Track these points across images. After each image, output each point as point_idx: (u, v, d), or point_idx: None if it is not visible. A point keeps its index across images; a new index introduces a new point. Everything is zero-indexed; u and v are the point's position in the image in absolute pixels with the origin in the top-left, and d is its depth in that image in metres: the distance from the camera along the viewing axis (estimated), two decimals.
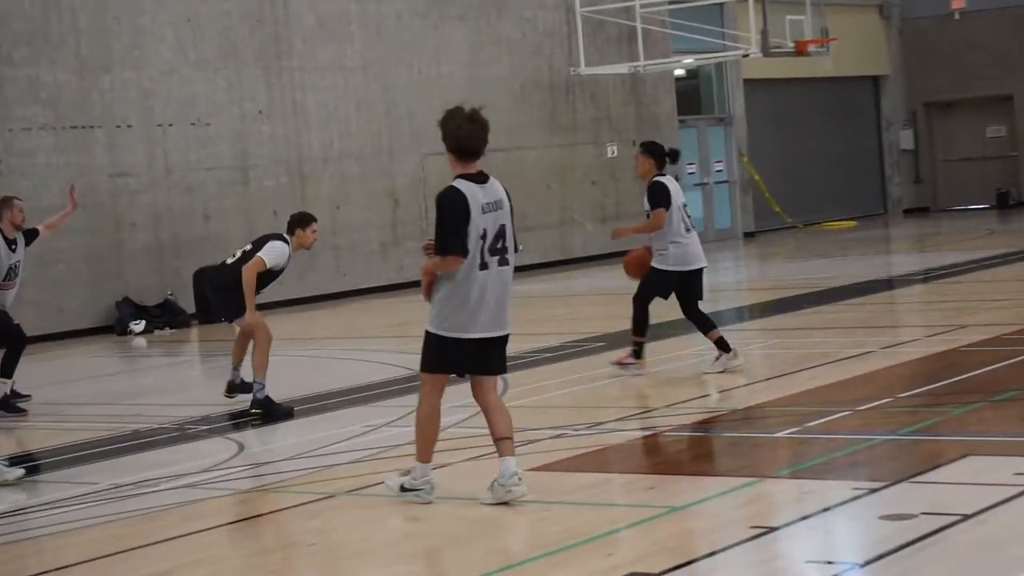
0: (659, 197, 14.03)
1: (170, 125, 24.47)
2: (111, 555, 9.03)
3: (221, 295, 14.36)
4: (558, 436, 11.54)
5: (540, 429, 11.71)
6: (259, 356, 13.70)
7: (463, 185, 9.54)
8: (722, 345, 14.22)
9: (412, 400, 13.22)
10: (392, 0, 27.76)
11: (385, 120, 27.49)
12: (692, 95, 34.92)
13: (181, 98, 24.73)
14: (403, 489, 9.57)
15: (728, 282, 25.48)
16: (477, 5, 29.18)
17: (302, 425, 13.20)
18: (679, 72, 33.84)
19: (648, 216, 14.22)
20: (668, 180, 14.19)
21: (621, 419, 12.16)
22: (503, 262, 9.48)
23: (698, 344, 15.20)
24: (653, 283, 14.35)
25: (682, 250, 14.20)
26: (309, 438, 12.35)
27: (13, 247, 15.30)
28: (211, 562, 8.64)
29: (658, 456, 11.09)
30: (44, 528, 9.95)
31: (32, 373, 16.85)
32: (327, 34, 26.80)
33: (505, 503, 9.28)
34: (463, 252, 9.27)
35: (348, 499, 9.99)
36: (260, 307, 14.15)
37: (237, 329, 14.32)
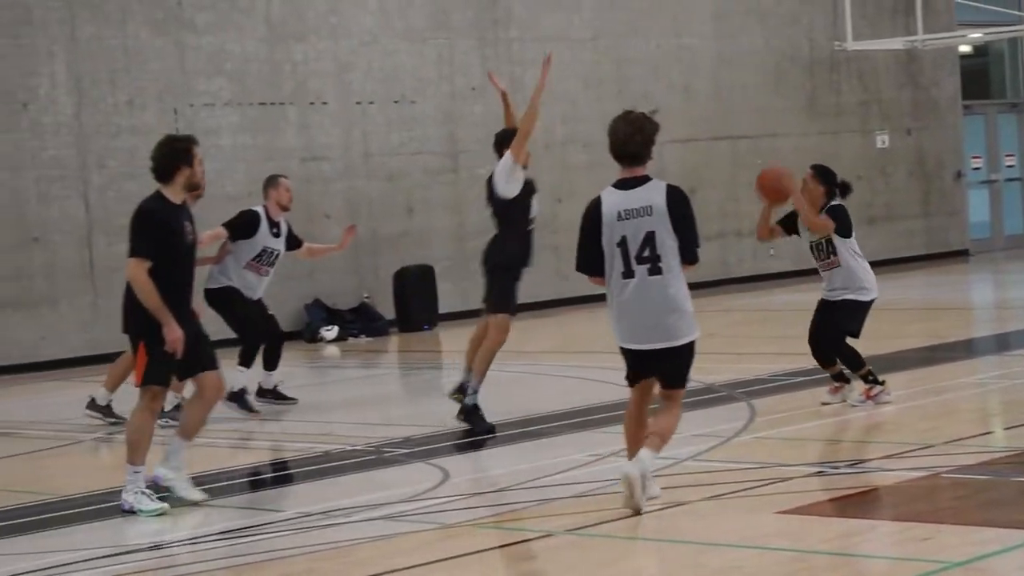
0: (846, 222, 14.38)
1: (370, 103, 24.79)
2: None
3: None
4: (815, 474, 11.45)
5: (794, 466, 11.62)
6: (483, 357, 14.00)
7: (605, 193, 10.44)
8: (840, 377, 14.29)
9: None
10: None
11: (617, 100, 27.42)
12: (980, 76, 34.40)
13: (383, 72, 25.05)
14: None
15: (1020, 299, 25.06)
16: None
17: (516, 451, 13.25)
18: (964, 49, 33.33)
19: (831, 250, 14.48)
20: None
21: (888, 456, 12.01)
22: (654, 271, 10.21)
23: (983, 371, 14.96)
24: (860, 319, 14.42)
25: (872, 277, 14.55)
26: (523, 467, 12.35)
27: (276, 232, 16.10)
28: None
29: (935, 501, 10.90)
30: (221, 560, 10.12)
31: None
32: (551, 2, 26.91)
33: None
34: (586, 270, 10.43)
35: (569, 538, 9.95)
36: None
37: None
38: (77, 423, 16.36)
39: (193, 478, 12.05)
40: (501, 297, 14.34)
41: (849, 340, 14.43)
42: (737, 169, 28.72)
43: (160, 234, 11.56)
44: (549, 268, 26.32)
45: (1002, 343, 19.32)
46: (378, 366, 21.55)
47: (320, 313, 23.60)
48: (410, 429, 14.50)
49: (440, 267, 25.09)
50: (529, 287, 25.82)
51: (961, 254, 32.38)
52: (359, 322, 23.78)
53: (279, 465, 13.49)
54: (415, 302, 24.61)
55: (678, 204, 10.26)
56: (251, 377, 16.10)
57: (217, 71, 23.46)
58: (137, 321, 11.64)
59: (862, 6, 30.38)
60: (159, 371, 11.51)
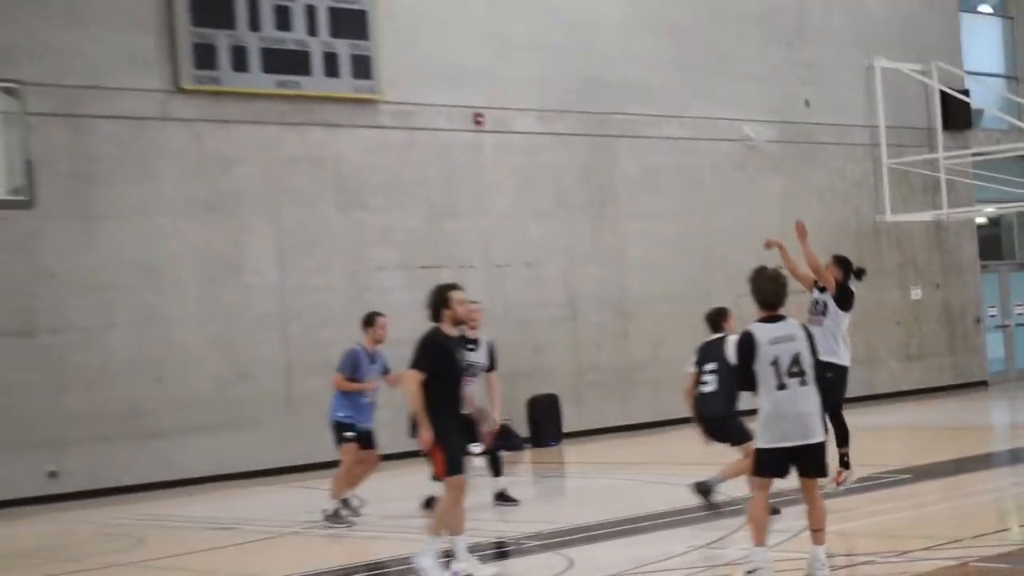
0: (847, 298, 14.97)
1: (507, 266, 24.98)
2: None
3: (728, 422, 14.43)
4: (866, 563, 11.37)
5: (848, 555, 11.56)
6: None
7: (755, 327, 10.66)
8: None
9: (728, 523, 13.27)
10: (710, 153, 27.95)
11: (702, 264, 27.53)
12: (994, 241, 34.19)
13: (517, 242, 25.24)
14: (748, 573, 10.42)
15: None
16: (790, 158, 29.18)
17: (626, 544, 13.20)
18: (981, 220, 33.21)
19: (823, 311, 15.06)
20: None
21: (927, 548, 11.91)
22: (803, 383, 10.45)
23: (1000, 479, 14.79)
24: (839, 382, 14.84)
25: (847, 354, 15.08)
26: (633, 554, 12.33)
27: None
28: None
29: None
30: None
31: (392, 484, 17.31)
32: (649, 185, 27.05)
33: None
34: (746, 387, 10.67)
35: None
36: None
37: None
38: (280, 519, 16.50)
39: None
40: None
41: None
42: (801, 317, 28.53)
43: (435, 356, 11.79)
44: (648, 396, 26.33)
45: (1016, 456, 19.13)
46: (516, 474, 21.51)
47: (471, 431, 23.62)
48: (542, 525, 14.53)
49: (563, 395, 25.16)
50: (633, 411, 25.97)
51: (981, 384, 32.01)
52: (500, 439, 23.75)
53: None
54: (544, 423, 24.69)
55: (810, 336, 10.72)
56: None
57: (388, 242, 23.74)
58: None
59: (898, 187, 30.42)
60: (454, 463, 11.80)
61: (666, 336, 26.67)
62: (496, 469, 16.38)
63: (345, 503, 15.75)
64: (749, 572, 10.28)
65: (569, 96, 26.02)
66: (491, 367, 16.38)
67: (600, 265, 26.35)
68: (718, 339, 14.66)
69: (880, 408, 27.97)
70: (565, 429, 24.90)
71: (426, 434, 11.62)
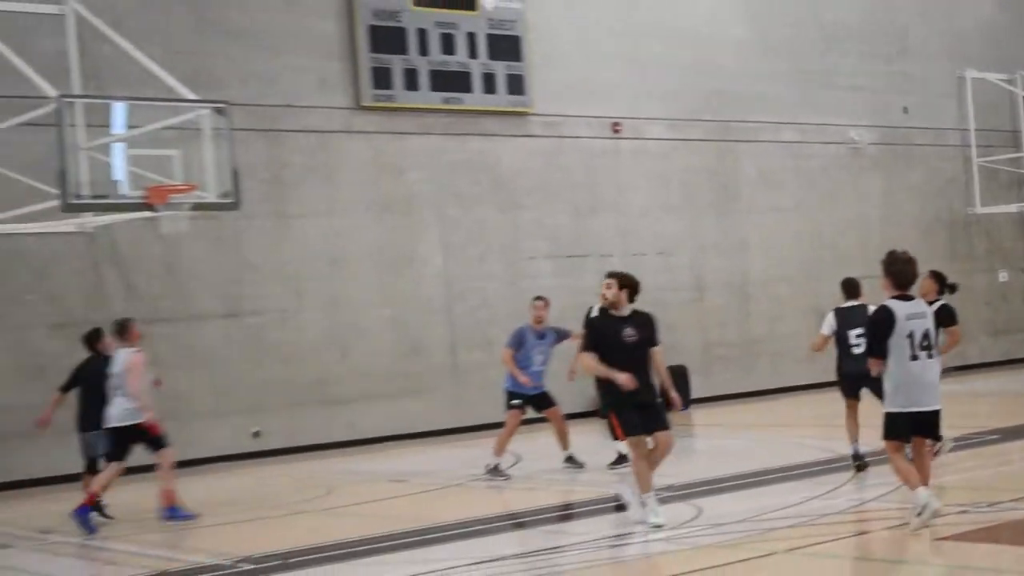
0: (952, 316, 13.99)
1: (643, 255, 24.92)
2: None
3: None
4: (961, 512, 11.21)
5: (944, 505, 11.40)
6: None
7: (892, 304, 10.46)
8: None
9: (838, 478, 13.15)
10: (820, 155, 27.67)
11: (813, 251, 27.29)
12: None
13: (651, 234, 25.18)
14: (918, 516, 10.16)
15: None
16: (890, 158, 28.78)
17: (748, 495, 13.14)
18: None
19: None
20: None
21: (1015, 499, 11.67)
22: (930, 356, 10.40)
23: None
24: None
25: None
26: (754, 504, 12.28)
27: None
28: None
29: None
30: (573, 565, 10.23)
31: (543, 443, 17.38)
32: (766, 183, 26.87)
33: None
34: (881, 355, 10.37)
35: (787, 557, 9.89)
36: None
37: None
38: (447, 473, 16.63)
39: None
40: None
41: None
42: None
43: (598, 336, 11.80)
44: (768, 367, 26.17)
45: None
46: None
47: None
48: (673, 479, 14.47)
49: (692, 367, 25.05)
50: (753, 381, 25.78)
51: None
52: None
53: (598, 501, 13.47)
54: (675, 391, 24.53)
55: (935, 314, 10.71)
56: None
57: (538, 235, 23.83)
58: (603, 399, 11.92)
59: (987, 183, 29.79)
60: (630, 426, 11.60)
61: (782, 314, 26.53)
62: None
63: (499, 469, 15.78)
64: (918, 514, 10.07)
65: (696, 107, 25.91)
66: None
67: (724, 253, 26.21)
68: (859, 306, 14.28)
69: (971, 378, 27.48)
70: (693, 396, 24.78)
71: (620, 376, 11.39)
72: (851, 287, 14.61)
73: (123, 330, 14.15)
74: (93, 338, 14.94)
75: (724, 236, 26.19)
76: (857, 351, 14.13)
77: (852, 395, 14.16)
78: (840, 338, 14.17)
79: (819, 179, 27.66)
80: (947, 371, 22.94)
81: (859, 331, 14.12)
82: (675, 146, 25.65)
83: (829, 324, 14.26)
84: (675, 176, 25.61)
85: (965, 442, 15.97)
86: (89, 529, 13.37)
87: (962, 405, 22.57)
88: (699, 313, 25.71)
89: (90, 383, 14.45)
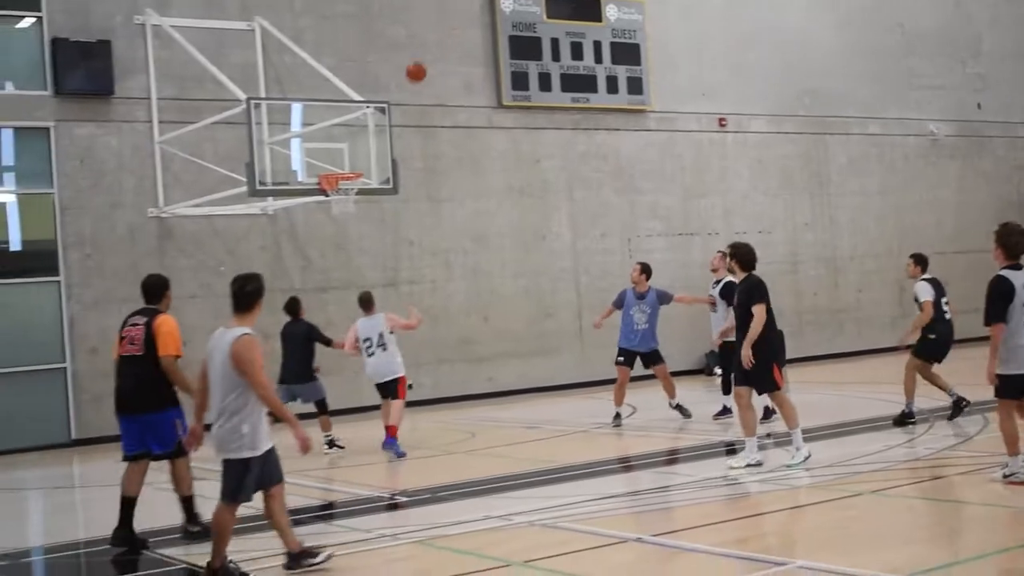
0: (925, 292, 13.67)
1: (744, 233, 24.55)
2: (706, 525, 9.11)
3: None
4: None
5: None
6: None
7: (1007, 273, 9.66)
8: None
9: (915, 430, 12.80)
10: (902, 145, 27.03)
11: (895, 230, 26.71)
12: None
13: (752, 214, 24.84)
14: (1005, 476, 9.61)
15: None
16: (963, 147, 27.99)
17: (838, 443, 12.87)
18: None
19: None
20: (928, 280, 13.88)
21: None
22: None
23: None
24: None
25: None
26: (842, 451, 12.06)
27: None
28: (777, 535, 8.57)
29: None
30: (650, 505, 10.13)
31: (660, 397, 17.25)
32: (854, 170, 26.33)
33: None
34: (1002, 320, 9.47)
35: (872, 497, 9.70)
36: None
37: None
38: (574, 422, 16.58)
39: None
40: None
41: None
42: (971, 271, 27.49)
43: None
44: (854, 332, 25.66)
45: None
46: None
47: (714, 358, 23.30)
48: (771, 428, 14.28)
49: (786, 331, 24.55)
50: (841, 343, 25.31)
51: None
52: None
53: (704, 447, 13.39)
54: None
55: None
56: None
57: (653, 216, 23.63)
58: (763, 354, 11.73)
59: None
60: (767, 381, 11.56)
61: (868, 285, 26.03)
62: (727, 388, 15.47)
63: (619, 416, 15.64)
64: (1007, 475, 9.59)
65: (792, 103, 25.45)
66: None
67: (816, 231, 25.74)
68: (936, 278, 13.99)
69: None
70: (787, 357, 24.36)
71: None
72: (927, 260, 14.33)
73: (367, 303, 14.46)
74: (292, 306, 15.05)
75: (817, 216, 25.73)
76: (948, 317, 13.81)
77: (941, 359, 13.76)
78: (935, 305, 13.76)
79: (900, 166, 27.01)
80: None
81: (946, 299, 13.86)
82: (774, 138, 25.22)
83: (928, 291, 13.81)
84: (773, 164, 25.19)
85: None
86: (398, 453, 13.67)
87: None
88: (793, 283, 25.30)
89: (290, 343, 14.70)
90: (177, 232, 18.95)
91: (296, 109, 17.51)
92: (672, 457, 13.09)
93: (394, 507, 10.83)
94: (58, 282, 18.07)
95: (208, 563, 7.95)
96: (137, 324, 9.72)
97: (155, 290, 9.94)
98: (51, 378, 17.93)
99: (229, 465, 7.92)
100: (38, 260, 18.08)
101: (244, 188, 16.14)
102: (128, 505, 9.50)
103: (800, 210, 25.53)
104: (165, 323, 9.67)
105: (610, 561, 8.10)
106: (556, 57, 22.25)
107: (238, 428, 7.87)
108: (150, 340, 9.58)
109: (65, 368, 17.96)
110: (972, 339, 26.45)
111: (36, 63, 18.04)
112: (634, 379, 15.97)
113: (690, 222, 24.00)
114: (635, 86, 23.14)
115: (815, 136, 25.77)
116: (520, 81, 21.91)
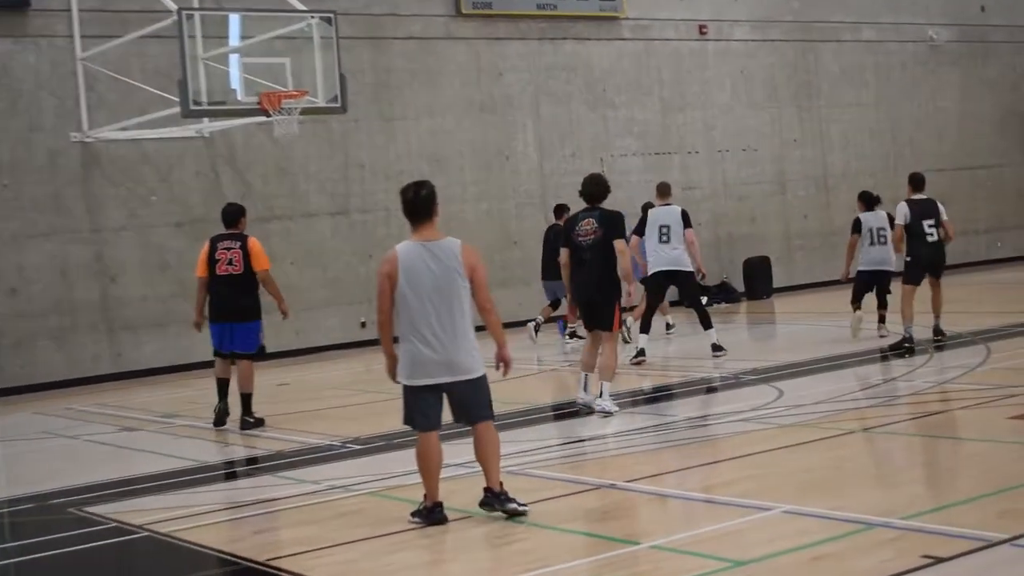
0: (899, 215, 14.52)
1: (727, 151, 24.61)
2: (672, 472, 9.16)
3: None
4: None
5: (1019, 386, 11.15)
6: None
7: None
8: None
9: (914, 361, 12.89)
10: (899, 52, 26.99)
11: (891, 144, 26.75)
12: None
13: (735, 130, 24.81)
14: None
15: None
16: (967, 54, 27.99)
17: (829, 377, 12.93)
18: None
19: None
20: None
21: None
22: None
23: None
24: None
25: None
26: (833, 387, 12.13)
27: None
28: (760, 478, 8.62)
29: None
30: (632, 440, 10.20)
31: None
32: (847, 79, 26.29)
33: None
34: None
35: (863, 435, 9.78)
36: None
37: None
38: (545, 360, 16.61)
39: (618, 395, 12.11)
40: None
41: None
42: (975, 188, 27.63)
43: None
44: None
45: None
46: (733, 323, 21.33)
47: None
48: (757, 363, 14.37)
49: (774, 257, 24.77)
50: (835, 269, 25.39)
51: None
52: (721, 294, 23.59)
53: (672, 387, 13.45)
54: (757, 280, 24.32)
55: None
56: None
57: (628, 133, 23.56)
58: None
59: None
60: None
61: None
62: (706, 323, 15.45)
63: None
64: None
65: (779, 8, 25.35)
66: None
67: (805, 148, 25.76)
68: (928, 199, 14.49)
69: None
70: (775, 285, 24.54)
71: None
72: (919, 181, 14.74)
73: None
74: (559, 211, 18.46)
75: (806, 131, 25.72)
76: (931, 239, 14.16)
77: (917, 281, 14.26)
78: (913, 227, 14.11)
79: (897, 76, 26.98)
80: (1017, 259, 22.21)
81: (931, 221, 14.17)
82: (759, 46, 25.13)
83: (903, 214, 14.30)
84: (758, 75, 25.13)
85: None
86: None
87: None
88: (781, 205, 25.35)
89: (551, 244, 17.31)
90: (103, 158, 18.76)
91: (234, 20, 17.24)
92: (650, 396, 13.13)
93: (346, 456, 10.84)
94: None
95: (486, 487, 8.03)
96: (231, 247, 12.32)
97: (233, 216, 12.55)
98: None
99: (478, 383, 8.14)
100: None
101: (177, 109, 15.97)
102: (224, 384, 12.58)
103: (788, 125, 25.51)
104: (255, 244, 12.46)
105: (582, 508, 8.14)
106: None
107: (474, 343, 8.15)
108: (246, 259, 12.26)
109: None
110: (976, 263, 26.95)
111: None
112: None
113: (668, 140, 23.94)
114: None
115: (804, 43, 25.68)
116: None
